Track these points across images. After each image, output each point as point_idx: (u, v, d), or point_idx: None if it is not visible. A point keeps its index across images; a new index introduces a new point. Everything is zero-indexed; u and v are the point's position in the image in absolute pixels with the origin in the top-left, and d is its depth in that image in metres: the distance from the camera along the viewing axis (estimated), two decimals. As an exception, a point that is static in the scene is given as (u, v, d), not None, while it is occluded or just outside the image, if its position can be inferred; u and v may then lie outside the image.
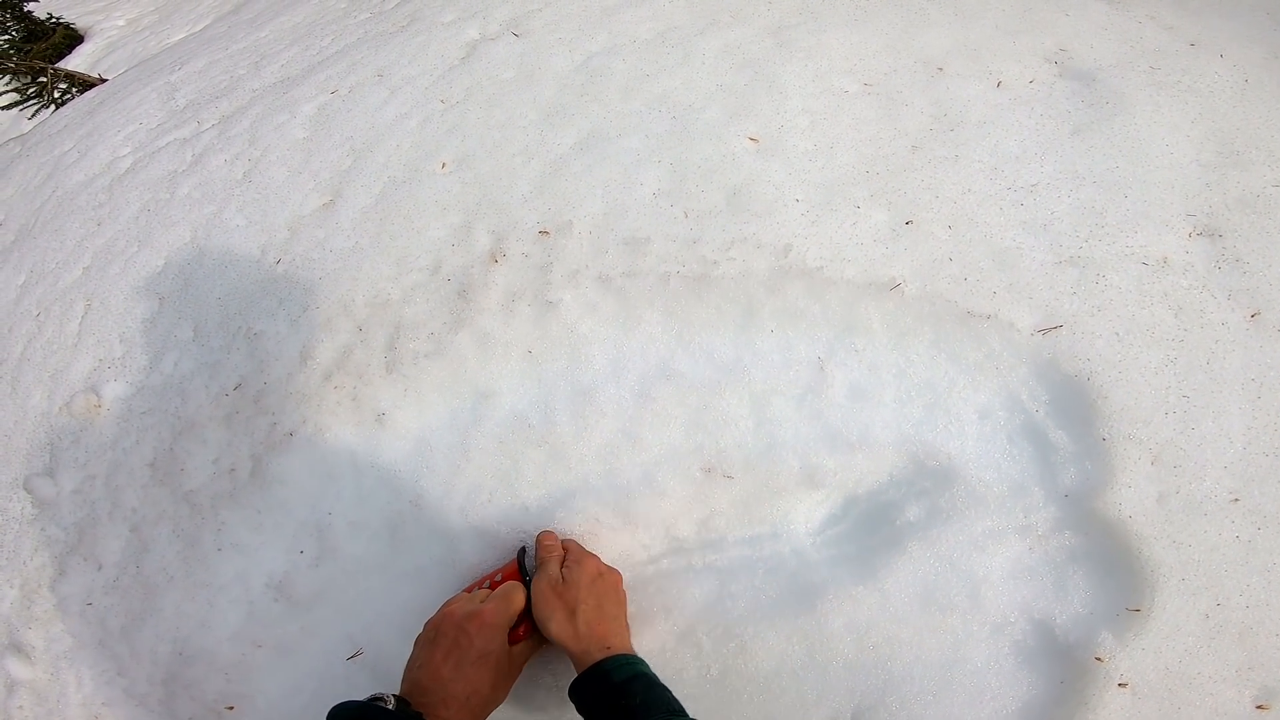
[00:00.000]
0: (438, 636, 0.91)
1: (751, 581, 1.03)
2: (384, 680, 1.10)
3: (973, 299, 1.08)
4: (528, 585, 0.98)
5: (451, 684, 0.86)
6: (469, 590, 1.02)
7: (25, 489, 1.35)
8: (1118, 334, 1.04)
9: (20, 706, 1.23)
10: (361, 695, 0.99)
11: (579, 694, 0.88)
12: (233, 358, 1.26)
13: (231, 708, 1.12)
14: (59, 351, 1.45)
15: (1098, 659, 0.90)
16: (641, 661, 0.90)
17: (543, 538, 1.02)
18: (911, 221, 1.14)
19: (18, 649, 1.26)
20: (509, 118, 1.36)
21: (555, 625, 0.92)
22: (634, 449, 1.07)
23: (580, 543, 1.05)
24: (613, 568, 1.01)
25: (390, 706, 0.82)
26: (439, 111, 1.42)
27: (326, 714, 0.80)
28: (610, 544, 1.06)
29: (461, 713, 0.86)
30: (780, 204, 1.16)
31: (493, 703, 0.90)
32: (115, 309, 1.43)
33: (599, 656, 0.88)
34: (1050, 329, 1.04)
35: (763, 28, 1.38)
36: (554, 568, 0.96)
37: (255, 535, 1.15)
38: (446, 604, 0.97)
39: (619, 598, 0.98)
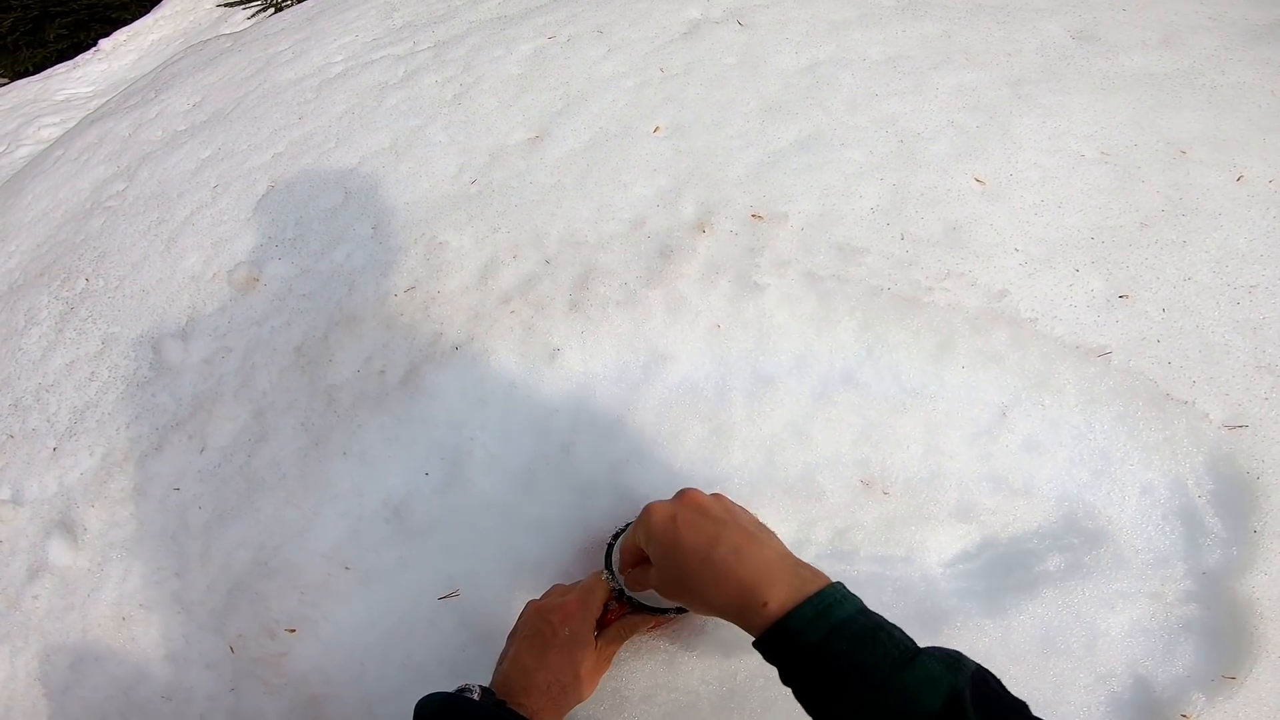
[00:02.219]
0: (523, 627, 0.91)
1: (879, 596, 1.02)
2: (471, 629, 1.05)
3: (1173, 383, 1.06)
4: (613, 586, 0.92)
5: (534, 672, 0.86)
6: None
7: (153, 349, 1.32)
8: (1294, 444, 1.04)
9: (36, 596, 1.11)
10: (442, 640, 0.97)
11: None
12: (409, 260, 1.26)
13: (293, 630, 1.05)
14: (228, 223, 1.47)
15: (1184, 715, 0.94)
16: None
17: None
18: (1127, 296, 1.11)
19: (67, 529, 1.15)
20: (729, 100, 1.36)
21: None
22: (801, 446, 1.04)
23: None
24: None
25: (475, 696, 0.81)
26: (657, 78, 1.44)
27: (414, 707, 0.78)
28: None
29: (543, 700, 0.84)
30: (1000, 249, 1.13)
31: (575, 693, 0.88)
32: (298, 195, 1.46)
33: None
34: (1236, 426, 1.05)
35: (1000, 77, 1.37)
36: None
37: (387, 447, 1.11)
38: (531, 602, 0.95)
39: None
